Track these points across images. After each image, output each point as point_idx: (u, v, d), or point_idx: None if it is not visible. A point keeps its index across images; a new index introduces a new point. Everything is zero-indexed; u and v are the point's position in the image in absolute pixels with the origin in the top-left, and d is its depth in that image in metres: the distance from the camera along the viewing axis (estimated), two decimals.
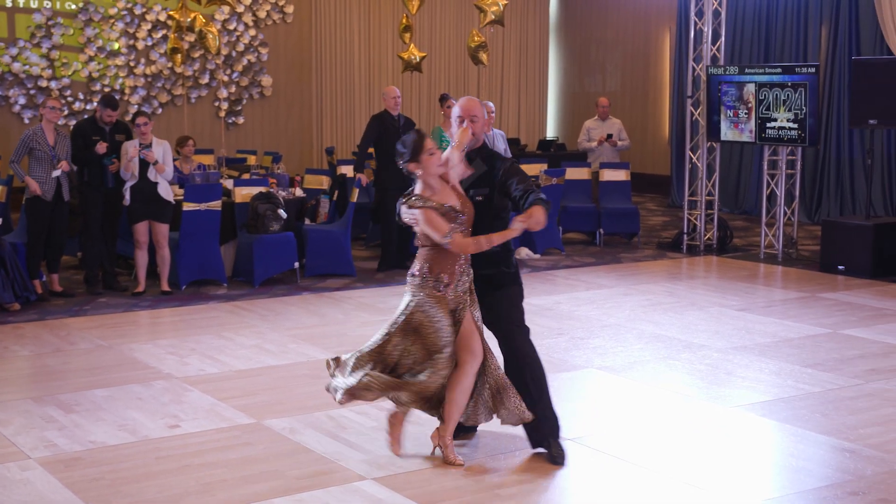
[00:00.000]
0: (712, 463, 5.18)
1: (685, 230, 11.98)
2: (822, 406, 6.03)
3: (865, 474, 4.94)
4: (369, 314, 8.46)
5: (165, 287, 9.23)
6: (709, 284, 9.95)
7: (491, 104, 11.01)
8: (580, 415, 5.93)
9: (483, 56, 12.66)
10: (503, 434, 5.47)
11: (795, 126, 10.98)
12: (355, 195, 10.21)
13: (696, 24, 12.17)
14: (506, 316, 5.19)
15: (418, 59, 12.86)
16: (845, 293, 9.38)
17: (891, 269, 10.20)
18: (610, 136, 12.72)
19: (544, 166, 12.43)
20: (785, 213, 11.60)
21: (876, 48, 13.13)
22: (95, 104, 9.62)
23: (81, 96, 14.28)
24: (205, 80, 15.18)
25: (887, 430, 5.59)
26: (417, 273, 5.03)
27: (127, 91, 14.57)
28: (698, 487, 4.80)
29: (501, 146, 10.83)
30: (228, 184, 10.23)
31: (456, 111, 5.18)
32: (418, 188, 5.04)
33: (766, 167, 11.77)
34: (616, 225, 12.26)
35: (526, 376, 5.10)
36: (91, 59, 14.35)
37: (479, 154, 5.24)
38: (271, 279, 9.73)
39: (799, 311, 8.63)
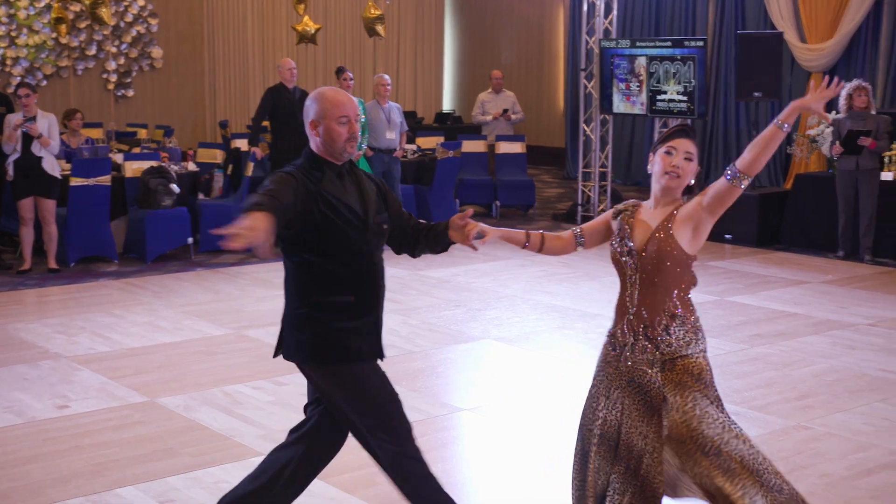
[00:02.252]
0: None
1: (579, 201, 12.16)
2: None
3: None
4: (265, 289, 8.37)
5: (53, 264, 8.97)
6: (603, 255, 10.05)
7: (386, 77, 10.98)
8: (477, 385, 6.00)
9: (380, 28, 12.59)
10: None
11: (685, 98, 11.22)
12: (250, 169, 10.07)
13: None
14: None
15: (313, 32, 12.70)
16: (732, 261, 9.66)
17: (775, 237, 10.55)
18: (506, 110, 12.81)
19: (441, 139, 12.46)
20: None
21: (760, 22, 13.48)
22: None
23: None
24: (92, 51, 14.71)
25: (770, 392, 5.80)
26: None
27: (8, 62, 14.03)
28: None
29: (398, 119, 10.82)
30: (118, 158, 9.98)
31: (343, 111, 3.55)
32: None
33: (656, 139, 12.00)
34: (512, 197, 12.38)
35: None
36: None
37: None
38: (164, 255, 9.55)
39: None
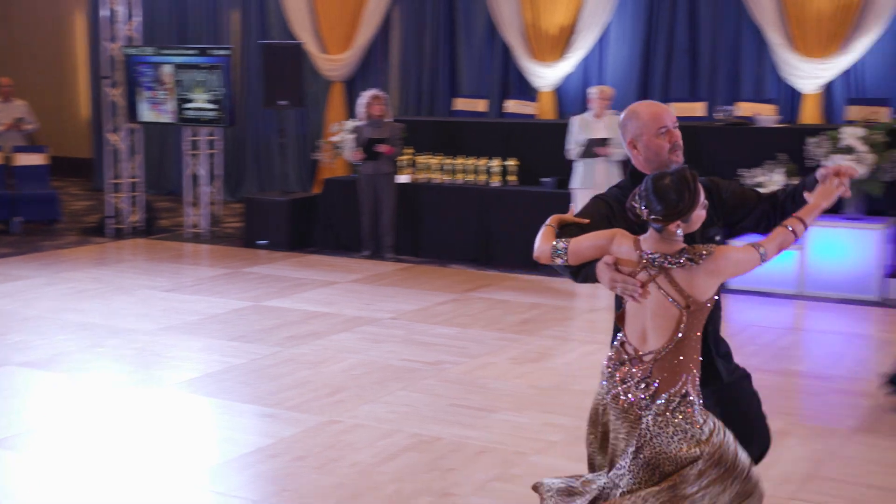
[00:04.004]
0: (151, 443, 5.18)
1: (110, 214, 11.74)
2: (246, 376, 6.31)
3: (285, 436, 5.28)
4: None
5: None
6: (137, 267, 9.87)
7: None
8: (4, 416, 5.57)
9: None
10: None
11: (214, 107, 11.26)
12: None
13: (109, 2, 11.90)
14: None
15: None
16: (267, 266, 9.88)
17: (307, 240, 10.95)
18: (19, 120, 12.07)
19: None
20: (210, 192, 11.89)
21: (285, 33, 13.90)
22: None
23: None
24: None
25: (303, 391, 6.02)
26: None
27: None
28: (144, 466, 4.77)
29: None
30: None
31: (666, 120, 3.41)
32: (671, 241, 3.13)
33: (187, 148, 11.94)
34: (35, 211, 11.67)
35: None
36: None
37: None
38: None
39: (224, 286, 8.92)
